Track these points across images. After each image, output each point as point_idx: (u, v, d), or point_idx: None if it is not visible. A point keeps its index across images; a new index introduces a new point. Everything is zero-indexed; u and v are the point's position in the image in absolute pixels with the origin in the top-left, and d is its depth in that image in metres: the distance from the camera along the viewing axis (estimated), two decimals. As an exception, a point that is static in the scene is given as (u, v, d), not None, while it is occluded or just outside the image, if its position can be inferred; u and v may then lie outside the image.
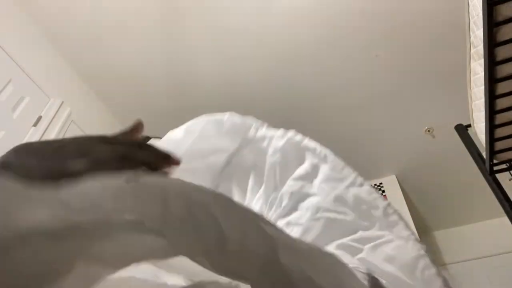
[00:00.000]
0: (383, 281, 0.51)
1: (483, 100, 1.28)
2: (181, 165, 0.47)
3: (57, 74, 2.25)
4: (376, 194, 0.71)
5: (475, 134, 1.62)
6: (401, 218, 0.68)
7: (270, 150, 0.79)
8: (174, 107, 2.63)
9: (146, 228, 0.27)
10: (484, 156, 1.60)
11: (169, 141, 0.79)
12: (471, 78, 1.37)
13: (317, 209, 0.68)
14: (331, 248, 0.63)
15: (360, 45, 2.28)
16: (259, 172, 0.78)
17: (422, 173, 3.20)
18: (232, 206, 0.32)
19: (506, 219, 1.56)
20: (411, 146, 2.96)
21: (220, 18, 2.19)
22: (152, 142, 0.62)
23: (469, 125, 1.68)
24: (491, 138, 1.42)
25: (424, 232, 3.62)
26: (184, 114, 2.89)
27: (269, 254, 0.29)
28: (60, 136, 1.99)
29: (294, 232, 0.66)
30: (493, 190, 1.59)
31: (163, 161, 0.45)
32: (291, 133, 0.81)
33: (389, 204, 0.70)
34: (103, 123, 2.60)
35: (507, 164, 1.61)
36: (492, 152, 1.51)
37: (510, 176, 1.61)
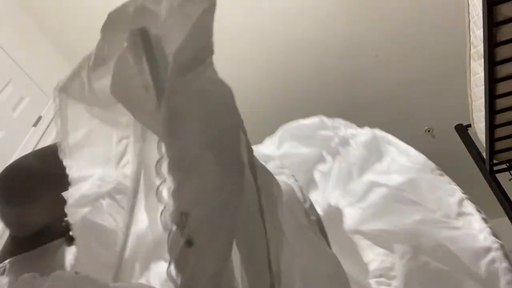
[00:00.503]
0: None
1: (483, 100, 1.28)
2: (279, 162, 0.63)
3: (57, 74, 2.24)
4: (455, 186, 0.75)
5: (475, 134, 1.62)
6: (478, 211, 0.71)
7: (354, 144, 0.91)
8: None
9: None
10: (484, 156, 1.60)
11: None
12: (471, 78, 1.37)
13: (392, 189, 0.75)
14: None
15: (361, 45, 2.28)
16: (343, 163, 0.89)
17: (422, 173, 3.20)
18: None
19: (506, 219, 1.56)
20: (411, 146, 2.95)
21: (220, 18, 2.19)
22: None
23: (469, 125, 1.68)
24: (491, 138, 1.42)
25: (424, 232, 3.61)
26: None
27: None
28: (60, 136, 1.99)
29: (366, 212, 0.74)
30: (493, 190, 1.59)
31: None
32: (375, 130, 0.95)
33: (467, 198, 0.73)
34: (103, 123, 2.60)
35: (507, 164, 1.61)
36: (492, 152, 1.51)
37: (510, 176, 1.61)
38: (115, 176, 0.71)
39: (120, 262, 0.63)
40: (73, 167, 0.68)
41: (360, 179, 0.84)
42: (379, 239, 0.68)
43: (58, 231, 0.69)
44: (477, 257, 0.61)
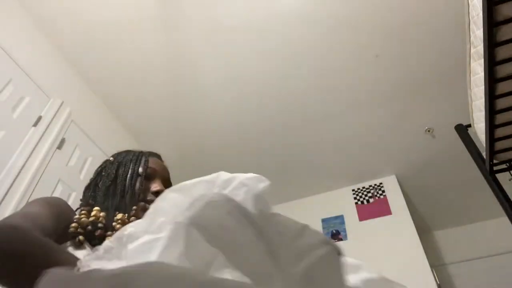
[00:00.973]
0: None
1: (483, 100, 1.28)
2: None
3: (57, 74, 2.25)
4: None
5: (475, 134, 1.62)
6: None
7: None
8: (174, 107, 2.63)
9: None
10: (484, 156, 1.60)
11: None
12: (471, 78, 1.37)
13: None
14: None
15: (360, 46, 2.28)
16: None
17: (422, 173, 3.20)
18: None
19: (506, 219, 1.56)
20: (411, 146, 2.96)
21: (220, 18, 2.19)
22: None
23: (469, 125, 1.68)
24: (491, 138, 1.42)
25: (424, 232, 3.61)
26: (183, 113, 2.89)
27: None
28: (60, 136, 1.99)
29: None
30: (493, 190, 1.59)
31: None
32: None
33: None
34: (103, 123, 2.59)
35: (507, 164, 1.61)
36: (492, 152, 1.51)
37: (510, 176, 1.61)
38: None
39: None
40: None
41: None
42: None
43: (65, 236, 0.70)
44: None
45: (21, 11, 2.07)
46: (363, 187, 3.26)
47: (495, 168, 1.60)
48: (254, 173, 0.56)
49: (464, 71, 1.41)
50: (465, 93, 1.48)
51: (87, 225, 0.72)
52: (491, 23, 1.02)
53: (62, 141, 2.01)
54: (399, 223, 2.89)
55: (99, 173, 0.88)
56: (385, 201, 3.09)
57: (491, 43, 1.06)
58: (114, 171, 0.85)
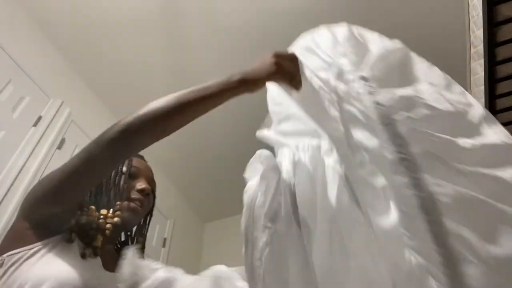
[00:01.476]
0: None
1: (483, 100, 1.28)
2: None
3: (57, 74, 2.25)
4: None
5: (475, 134, 1.61)
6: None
7: None
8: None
9: None
10: (484, 156, 1.60)
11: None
12: (471, 78, 1.37)
13: None
14: None
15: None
16: None
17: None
18: None
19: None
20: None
21: (220, 18, 2.19)
22: None
23: (469, 125, 1.67)
24: (491, 138, 1.42)
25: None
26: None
27: None
28: (60, 136, 1.99)
29: None
30: (493, 190, 1.59)
31: None
32: None
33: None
34: (103, 123, 2.59)
35: (507, 164, 1.61)
36: (492, 152, 1.50)
37: (510, 176, 1.61)
38: None
39: None
40: None
41: None
42: None
43: (65, 227, 0.71)
44: None
45: (21, 11, 2.07)
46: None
47: (495, 168, 1.60)
48: None
49: (464, 71, 1.41)
50: (465, 93, 1.48)
51: (84, 223, 0.73)
52: (491, 23, 1.02)
53: (62, 141, 2.01)
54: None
55: None
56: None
57: (491, 43, 1.07)
58: None
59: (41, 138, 1.85)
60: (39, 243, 0.66)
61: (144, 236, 0.92)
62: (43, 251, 0.65)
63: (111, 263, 0.76)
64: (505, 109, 1.28)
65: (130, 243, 0.90)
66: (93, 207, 0.78)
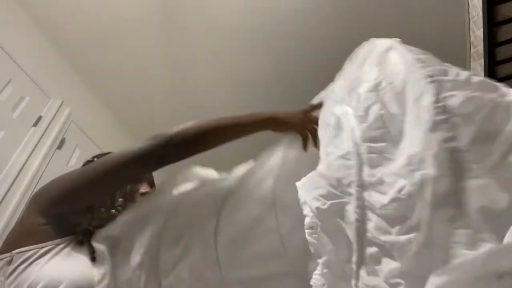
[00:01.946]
0: None
1: (483, 100, 1.28)
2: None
3: (57, 74, 2.25)
4: None
5: (475, 134, 1.61)
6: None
7: None
8: (174, 106, 2.63)
9: None
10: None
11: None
12: (471, 78, 1.37)
13: None
14: None
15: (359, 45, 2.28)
16: None
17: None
18: None
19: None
20: (411, 146, 2.95)
21: (220, 18, 2.19)
22: None
23: (469, 125, 1.67)
24: (491, 138, 1.42)
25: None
26: (184, 112, 2.90)
27: None
28: (60, 136, 1.99)
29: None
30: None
31: None
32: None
33: None
34: (103, 123, 2.60)
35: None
36: (492, 152, 1.50)
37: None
38: None
39: None
40: None
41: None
42: None
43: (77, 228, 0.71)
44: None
45: (21, 11, 2.07)
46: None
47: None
48: None
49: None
50: (465, 93, 1.48)
51: (97, 226, 0.75)
52: (491, 23, 1.02)
53: (62, 141, 2.00)
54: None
55: None
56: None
57: (491, 43, 1.07)
58: None
59: (41, 138, 1.84)
60: (50, 242, 0.66)
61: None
62: (54, 251, 0.65)
63: None
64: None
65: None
66: (103, 209, 0.79)
